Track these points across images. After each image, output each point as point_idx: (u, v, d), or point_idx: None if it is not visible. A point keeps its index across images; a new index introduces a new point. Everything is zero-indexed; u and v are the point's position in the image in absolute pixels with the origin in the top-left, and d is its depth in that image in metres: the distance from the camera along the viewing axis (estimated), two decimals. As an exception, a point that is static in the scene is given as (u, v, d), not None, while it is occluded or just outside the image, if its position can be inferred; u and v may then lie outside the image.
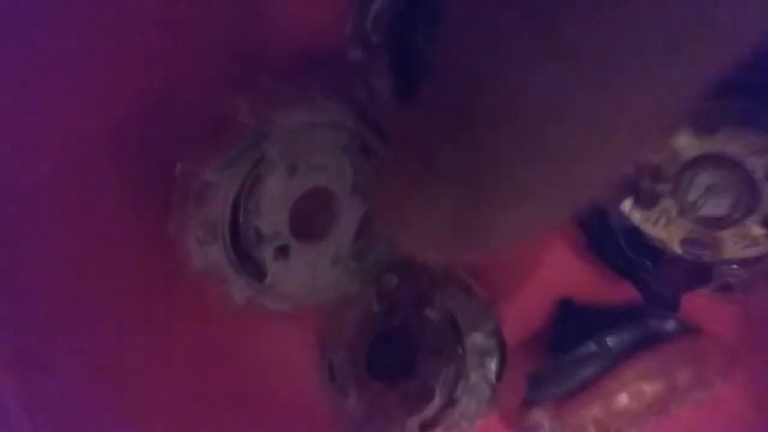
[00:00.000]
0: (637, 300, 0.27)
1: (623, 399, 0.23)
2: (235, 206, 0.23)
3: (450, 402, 0.26)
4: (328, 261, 0.25)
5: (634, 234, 0.21)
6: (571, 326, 0.26)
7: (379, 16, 0.22)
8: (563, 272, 0.27)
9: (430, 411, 0.26)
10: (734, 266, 0.21)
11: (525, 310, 0.28)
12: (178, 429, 0.24)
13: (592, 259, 0.27)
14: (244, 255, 0.24)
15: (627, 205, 0.21)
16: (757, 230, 0.20)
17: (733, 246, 0.20)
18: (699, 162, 0.19)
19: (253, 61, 0.23)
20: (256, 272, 0.24)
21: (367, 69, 0.23)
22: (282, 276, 0.24)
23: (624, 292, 0.27)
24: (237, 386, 0.26)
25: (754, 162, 0.19)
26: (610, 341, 0.24)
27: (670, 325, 0.25)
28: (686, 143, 0.19)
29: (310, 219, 0.24)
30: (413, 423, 0.26)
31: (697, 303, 0.26)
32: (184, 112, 0.23)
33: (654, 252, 0.22)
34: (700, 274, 0.21)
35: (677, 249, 0.21)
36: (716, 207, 0.20)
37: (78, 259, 0.23)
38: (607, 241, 0.22)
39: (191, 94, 0.23)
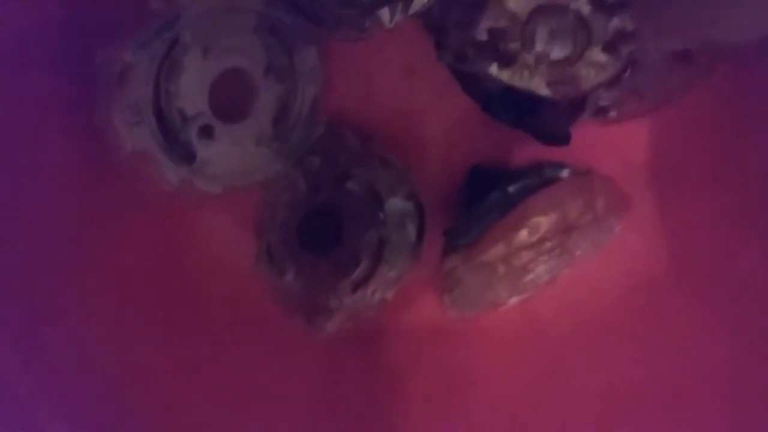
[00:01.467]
0: (537, 158, 0.30)
1: (522, 234, 0.26)
2: (157, 90, 0.25)
3: (376, 263, 0.29)
4: (252, 141, 0.27)
5: (509, 91, 0.24)
6: (481, 185, 0.29)
7: None
8: (473, 140, 0.30)
9: (359, 273, 0.29)
10: (600, 90, 0.24)
11: (441, 177, 0.30)
12: (118, 308, 0.26)
13: (497, 127, 0.30)
14: (172, 137, 0.26)
15: (494, 69, 0.24)
16: (601, 57, 0.23)
17: (587, 76, 0.23)
18: (534, 16, 0.23)
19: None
20: (186, 154, 0.26)
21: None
22: (209, 155, 0.26)
23: (527, 153, 0.30)
24: (177, 266, 0.28)
25: (578, 3, 0.22)
26: (511, 189, 0.27)
27: (565, 172, 0.28)
28: (515, 2, 0.22)
29: (230, 100, 0.26)
30: (345, 285, 0.29)
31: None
32: (102, 8, 0.24)
33: (533, 100, 0.25)
34: (575, 105, 0.24)
35: (547, 92, 0.24)
36: (561, 49, 0.23)
37: (9, 153, 0.25)
38: (492, 102, 0.25)
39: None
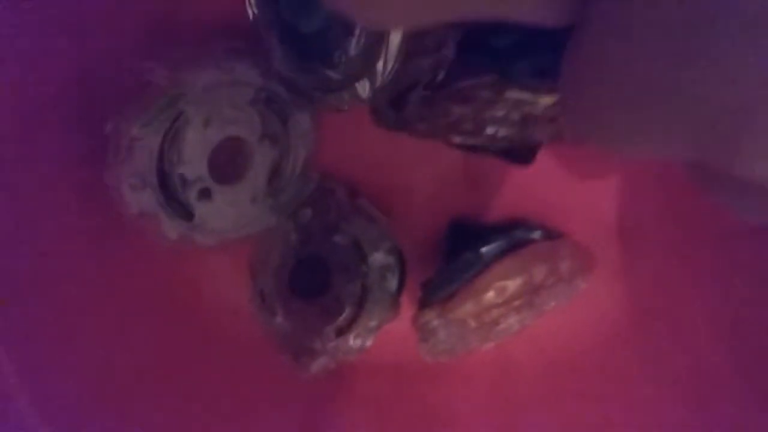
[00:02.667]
0: (514, 216, 0.32)
1: (490, 295, 0.28)
2: (161, 157, 0.28)
3: (358, 312, 0.31)
4: (248, 200, 0.30)
5: None
6: (458, 242, 0.31)
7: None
8: (455, 196, 0.33)
9: (342, 320, 0.31)
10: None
11: (424, 233, 0.33)
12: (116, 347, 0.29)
13: (478, 185, 0.32)
14: (173, 198, 0.28)
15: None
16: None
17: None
18: None
19: (167, 31, 0.28)
20: (185, 213, 0.29)
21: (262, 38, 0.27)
22: (207, 214, 0.29)
23: (505, 210, 0.33)
24: (176, 306, 0.31)
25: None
26: (484, 250, 0.29)
27: (537, 233, 0.30)
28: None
29: (227, 164, 0.29)
30: (329, 330, 0.31)
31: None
32: (111, 80, 0.27)
33: None
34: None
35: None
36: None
37: (28, 210, 0.27)
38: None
39: (116, 65, 0.27)
